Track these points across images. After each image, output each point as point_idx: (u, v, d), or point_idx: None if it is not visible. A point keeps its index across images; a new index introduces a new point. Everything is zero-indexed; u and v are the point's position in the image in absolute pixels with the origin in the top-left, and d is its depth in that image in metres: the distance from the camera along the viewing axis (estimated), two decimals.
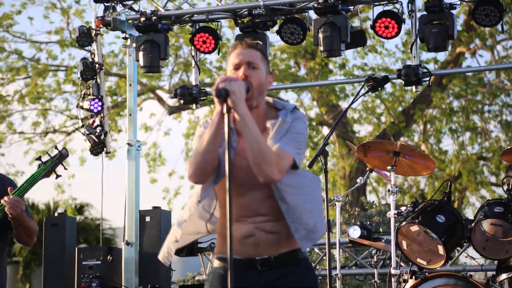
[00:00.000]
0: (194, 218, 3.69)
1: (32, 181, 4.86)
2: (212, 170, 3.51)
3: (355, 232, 6.93)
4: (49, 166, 4.92)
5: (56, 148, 5.00)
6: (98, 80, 8.68)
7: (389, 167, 6.27)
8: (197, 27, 8.61)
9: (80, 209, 20.48)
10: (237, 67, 3.59)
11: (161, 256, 3.71)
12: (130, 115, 8.63)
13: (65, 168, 4.99)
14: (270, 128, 3.58)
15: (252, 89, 3.54)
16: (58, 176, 4.96)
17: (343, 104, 17.46)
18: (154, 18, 8.40)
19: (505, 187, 6.19)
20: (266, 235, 3.54)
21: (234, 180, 3.22)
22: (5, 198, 4.72)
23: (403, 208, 6.25)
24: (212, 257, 8.77)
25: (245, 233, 3.54)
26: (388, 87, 16.53)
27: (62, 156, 4.97)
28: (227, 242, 3.13)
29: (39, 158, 4.96)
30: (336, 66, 17.13)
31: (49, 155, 4.95)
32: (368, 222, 7.26)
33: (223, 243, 3.62)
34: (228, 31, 17.05)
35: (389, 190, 6.27)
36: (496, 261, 6.36)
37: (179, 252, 8.80)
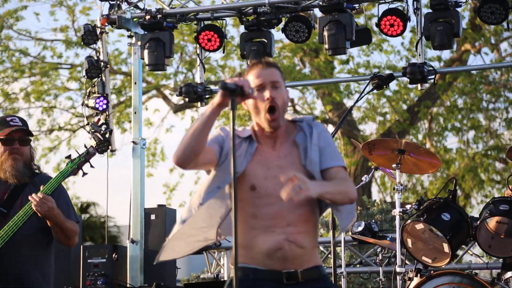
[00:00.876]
0: (200, 222, 3.58)
1: (60, 178, 4.82)
2: (195, 157, 3.46)
3: (359, 227, 6.91)
4: (76, 164, 4.89)
5: (84, 146, 4.97)
6: (103, 78, 8.69)
7: (394, 165, 6.25)
8: (202, 25, 8.62)
9: (85, 207, 20.50)
10: (260, 88, 3.57)
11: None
12: (135, 113, 8.64)
13: (91, 166, 4.95)
14: (300, 144, 3.59)
15: (278, 110, 3.55)
16: (84, 174, 4.91)
17: (348, 102, 17.45)
18: (159, 16, 8.41)
19: (511, 186, 6.17)
20: (296, 249, 3.50)
21: (262, 190, 3.31)
22: (33, 195, 4.68)
23: (408, 206, 6.23)
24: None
25: (274, 245, 3.49)
26: (392, 85, 16.49)
27: (89, 154, 4.92)
28: (252, 253, 3.19)
29: (68, 157, 4.92)
30: (341, 65, 17.10)
31: (77, 152, 4.92)
32: (373, 220, 7.24)
33: (245, 255, 3.51)
34: (233, 29, 17.01)
35: (394, 188, 6.26)
36: (501, 259, 6.35)
37: None
